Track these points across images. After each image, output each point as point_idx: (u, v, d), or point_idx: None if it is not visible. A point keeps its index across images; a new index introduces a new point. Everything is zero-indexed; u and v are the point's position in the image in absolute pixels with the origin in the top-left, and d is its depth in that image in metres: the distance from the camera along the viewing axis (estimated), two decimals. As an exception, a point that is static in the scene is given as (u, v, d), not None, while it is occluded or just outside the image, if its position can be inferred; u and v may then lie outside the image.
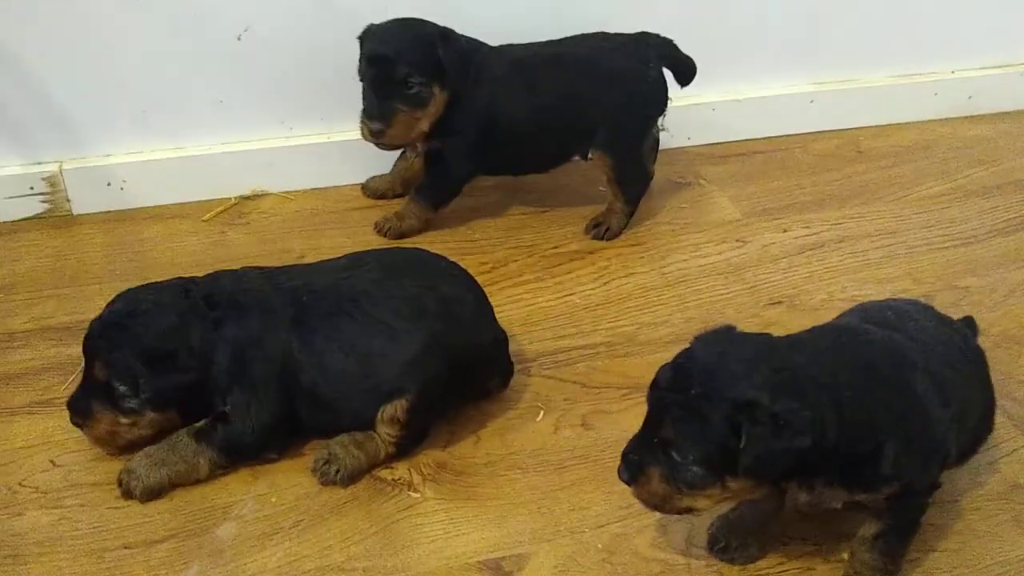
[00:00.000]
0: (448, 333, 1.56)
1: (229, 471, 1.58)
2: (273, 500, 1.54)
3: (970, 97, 2.70)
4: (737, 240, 2.18)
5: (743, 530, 1.47)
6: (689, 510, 1.32)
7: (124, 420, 1.55)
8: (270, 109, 2.24)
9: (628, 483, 1.32)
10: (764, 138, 2.53)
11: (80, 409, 1.56)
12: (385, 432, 1.56)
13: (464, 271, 1.71)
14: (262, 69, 2.18)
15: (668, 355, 1.79)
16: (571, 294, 2.01)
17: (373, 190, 2.29)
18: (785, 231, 2.20)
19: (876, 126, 2.64)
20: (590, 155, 2.13)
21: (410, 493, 1.56)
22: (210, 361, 1.54)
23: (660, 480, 1.28)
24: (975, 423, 1.47)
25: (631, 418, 1.69)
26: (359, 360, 1.55)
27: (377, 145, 2.02)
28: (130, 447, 1.58)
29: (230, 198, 2.26)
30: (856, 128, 2.62)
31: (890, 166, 2.48)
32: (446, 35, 1.98)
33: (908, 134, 2.63)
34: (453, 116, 2.02)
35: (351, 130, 2.26)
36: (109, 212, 2.21)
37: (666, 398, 1.27)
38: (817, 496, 1.33)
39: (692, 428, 1.23)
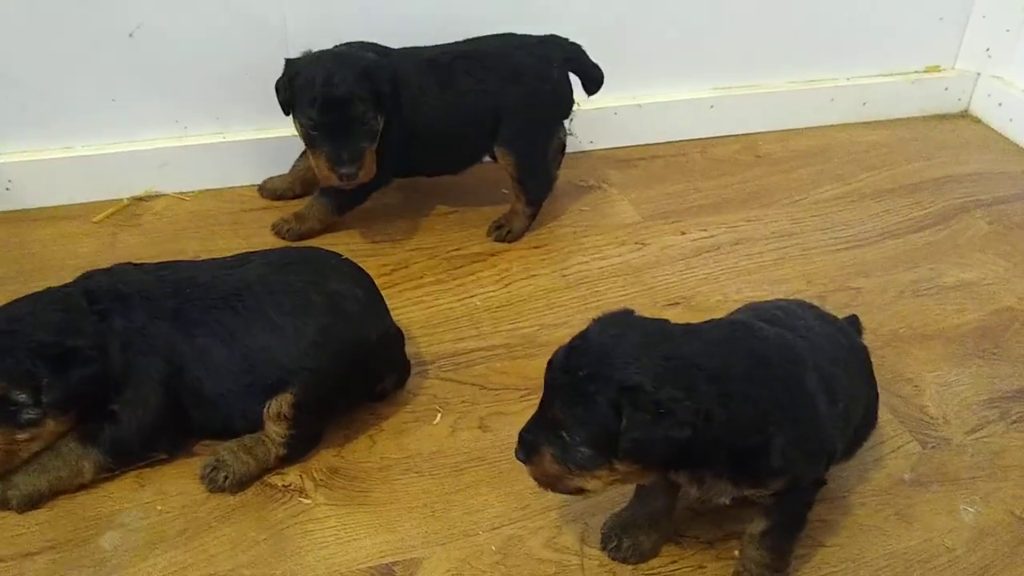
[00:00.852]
0: (334, 328, 1.54)
1: (114, 475, 1.53)
2: (159, 508, 1.50)
3: (865, 104, 2.77)
4: (637, 243, 2.19)
5: (635, 528, 1.47)
6: (581, 490, 1.31)
7: (22, 435, 1.46)
8: (164, 108, 2.19)
9: (523, 462, 1.32)
10: (665, 142, 2.56)
11: None
12: (274, 431, 1.53)
13: (355, 267, 1.69)
14: (155, 67, 2.12)
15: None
16: (472, 296, 2.00)
17: (271, 190, 2.26)
18: (683, 233, 2.23)
19: (774, 131, 2.70)
20: (496, 151, 2.13)
21: (301, 499, 1.52)
22: (105, 354, 1.48)
23: (551, 460, 1.28)
24: (860, 419, 1.50)
25: (529, 420, 1.70)
26: (242, 355, 1.52)
27: (346, 187, 1.98)
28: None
29: (122, 199, 2.20)
30: (755, 133, 2.68)
31: (787, 170, 2.53)
32: (377, 64, 1.95)
33: (805, 139, 2.68)
34: None
35: (247, 130, 2.24)
36: (-7, 213, 2.13)
37: (557, 379, 1.27)
38: (707, 490, 1.34)
39: (579, 409, 1.23)
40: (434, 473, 1.59)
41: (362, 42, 2.04)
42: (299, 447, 1.57)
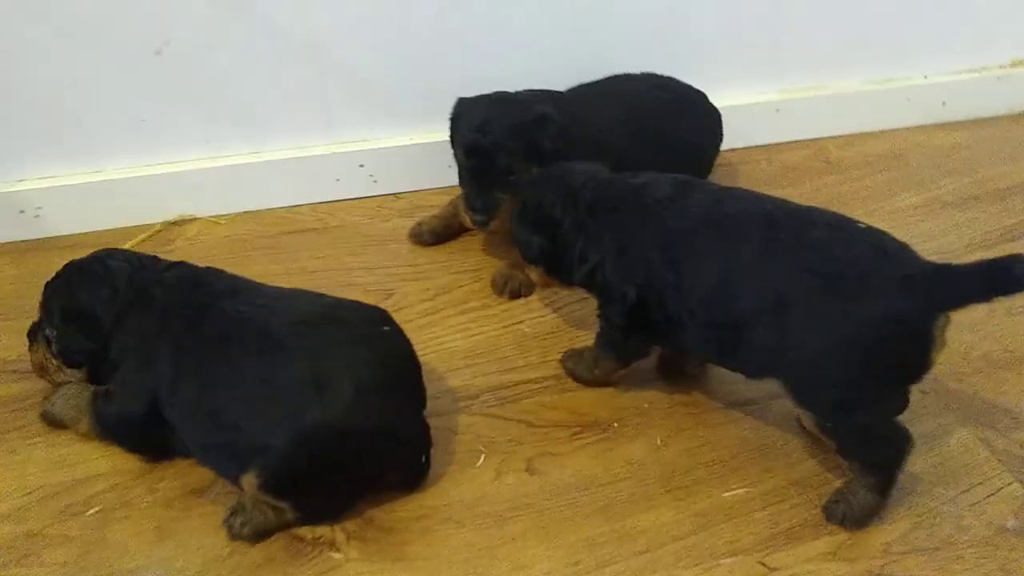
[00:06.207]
0: (309, 408, 1.33)
1: (109, 445, 1.55)
2: (179, 564, 1.38)
3: (944, 103, 2.57)
4: (699, 260, 2.03)
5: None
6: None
7: (55, 361, 1.58)
8: (195, 127, 2.08)
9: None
10: (729, 149, 2.38)
11: (31, 331, 1.62)
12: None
13: (393, 343, 1.49)
14: (185, 85, 2.02)
15: (623, 387, 1.69)
16: (519, 322, 1.86)
17: (432, 232, 2.08)
18: (750, 249, 2.06)
19: (846, 135, 2.51)
20: None
21: (331, 553, 1.39)
22: (110, 342, 1.50)
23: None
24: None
25: (581, 460, 1.56)
26: (210, 411, 1.39)
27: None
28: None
29: (155, 224, 2.10)
30: (825, 137, 2.50)
31: (861, 177, 2.35)
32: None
33: (880, 143, 2.50)
34: None
35: (282, 148, 2.13)
36: (22, 242, 2.05)
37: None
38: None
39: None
40: (476, 523, 1.44)
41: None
42: (309, 517, 1.42)
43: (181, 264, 1.58)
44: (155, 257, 1.60)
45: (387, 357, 1.45)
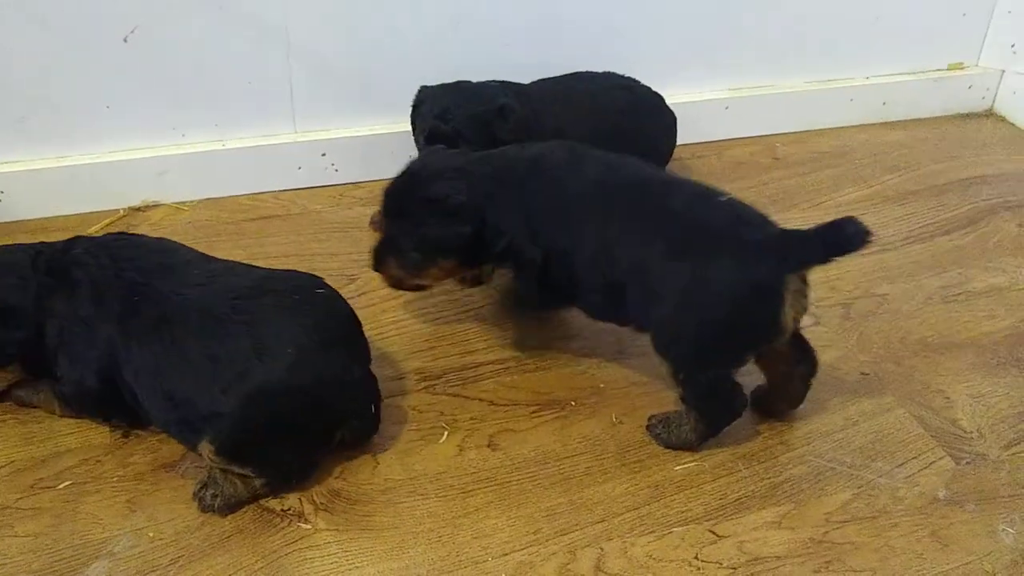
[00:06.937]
0: (252, 374, 1.38)
1: (80, 421, 1.59)
2: (150, 535, 1.42)
3: (885, 103, 2.69)
4: (652, 249, 2.11)
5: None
6: (421, 287, 1.72)
7: None
8: (160, 115, 2.11)
9: (376, 271, 1.68)
10: (680, 145, 2.45)
11: None
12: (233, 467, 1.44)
13: (331, 304, 1.52)
14: (152, 72, 2.05)
15: (581, 368, 1.76)
16: (481, 306, 1.92)
17: None
18: (700, 239, 2.14)
19: (793, 132, 2.61)
20: None
21: (300, 524, 1.44)
22: (42, 328, 1.50)
23: (395, 266, 1.65)
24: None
25: (541, 436, 1.62)
26: (164, 390, 1.43)
27: None
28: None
29: (118, 210, 2.13)
30: (772, 134, 2.59)
31: (807, 172, 2.45)
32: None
33: (825, 140, 2.60)
34: None
35: (247, 136, 2.17)
36: (-15, 225, 2.07)
37: (387, 202, 1.66)
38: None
39: (402, 223, 1.63)
40: (441, 495, 1.50)
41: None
42: (274, 484, 1.47)
43: (78, 239, 1.57)
44: (44, 243, 1.58)
45: (324, 317, 1.48)
